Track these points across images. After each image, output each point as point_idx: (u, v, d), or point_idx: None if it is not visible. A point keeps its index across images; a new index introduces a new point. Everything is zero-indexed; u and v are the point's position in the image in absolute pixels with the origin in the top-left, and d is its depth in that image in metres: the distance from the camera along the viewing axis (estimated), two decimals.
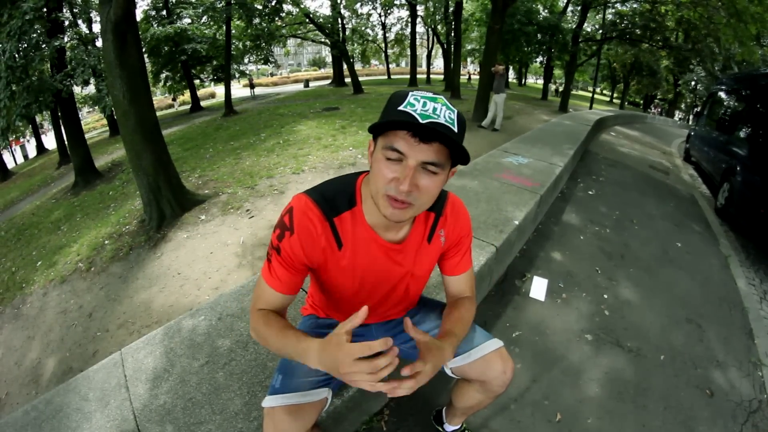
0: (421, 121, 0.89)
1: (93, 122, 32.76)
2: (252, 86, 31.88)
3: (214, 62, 22.96)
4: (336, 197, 1.14)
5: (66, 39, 10.74)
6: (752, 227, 4.66)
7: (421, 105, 0.92)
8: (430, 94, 0.95)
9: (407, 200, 0.96)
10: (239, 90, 32.96)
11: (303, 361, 1.02)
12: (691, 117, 34.04)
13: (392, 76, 40.93)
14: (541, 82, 36.33)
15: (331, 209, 1.13)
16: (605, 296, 3.18)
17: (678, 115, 37.46)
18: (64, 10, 11.02)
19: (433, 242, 1.27)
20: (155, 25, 19.08)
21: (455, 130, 0.93)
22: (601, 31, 19.14)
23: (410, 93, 0.95)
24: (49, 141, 25.19)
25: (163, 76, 22.61)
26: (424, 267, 1.31)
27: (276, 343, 1.10)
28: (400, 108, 0.92)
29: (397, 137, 0.93)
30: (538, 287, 3.14)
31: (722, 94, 7.51)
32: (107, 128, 23.56)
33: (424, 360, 1.00)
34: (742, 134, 5.69)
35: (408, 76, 30.12)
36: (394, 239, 1.20)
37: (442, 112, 0.92)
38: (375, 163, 0.99)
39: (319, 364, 0.98)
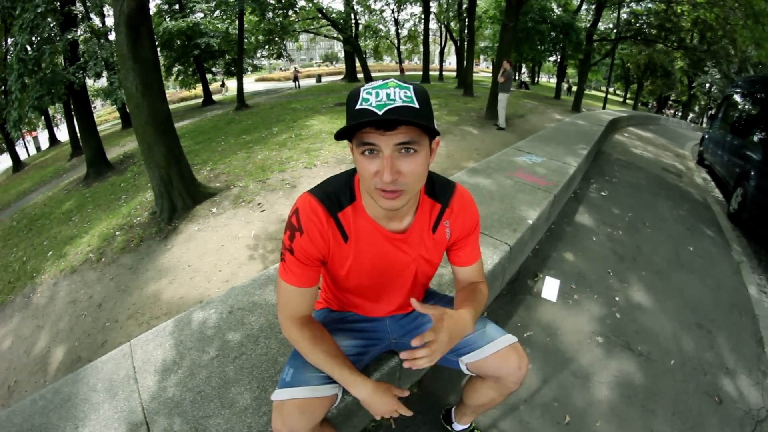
0: (378, 112, 0.90)
1: (105, 115, 32.99)
2: (297, 78, 31.96)
3: (227, 56, 23.01)
4: (338, 193, 1.19)
5: (79, 32, 10.81)
6: (765, 233, 4.61)
7: (374, 97, 0.93)
8: (380, 82, 0.96)
9: (396, 188, 0.98)
10: (251, 85, 33.00)
11: (347, 388, 1.18)
12: (704, 119, 33.67)
13: (405, 73, 40.67)
14: (554, 81, 36.02)
15: (334, 205, 1.17)
16: (617, 298, 3.15)
17: (690, 116, 37.09)
18: (77, 4, 11.09)
19: (438, 233, 1.29)
20: (168, 19, 19.18)
21: (416, 106, 0.93)
22: (615, 31, 18.93)
23: (362, 89, 0.96)
24: (62, 133, 25.37)
25: (175, 69, 22.67)
26: (431, 254, 1.33)
27: (321, 363, 1.20)
28: (357, 107, 0.94)
29: (364, 133, 0.95)
30: (550, 288, 3.12)
31: (737, 97, 7.40)
32: (119, 121, 23.73)
33: (437, 330, 1.05)
34: (756, 138, 5.59)
35: (420, 73, 29.92)
36: (397, 229, 1.24)
37: (397, 94, 0.93)
38: (357, 162, 1.02)
39: (367, 399, 1.16)
